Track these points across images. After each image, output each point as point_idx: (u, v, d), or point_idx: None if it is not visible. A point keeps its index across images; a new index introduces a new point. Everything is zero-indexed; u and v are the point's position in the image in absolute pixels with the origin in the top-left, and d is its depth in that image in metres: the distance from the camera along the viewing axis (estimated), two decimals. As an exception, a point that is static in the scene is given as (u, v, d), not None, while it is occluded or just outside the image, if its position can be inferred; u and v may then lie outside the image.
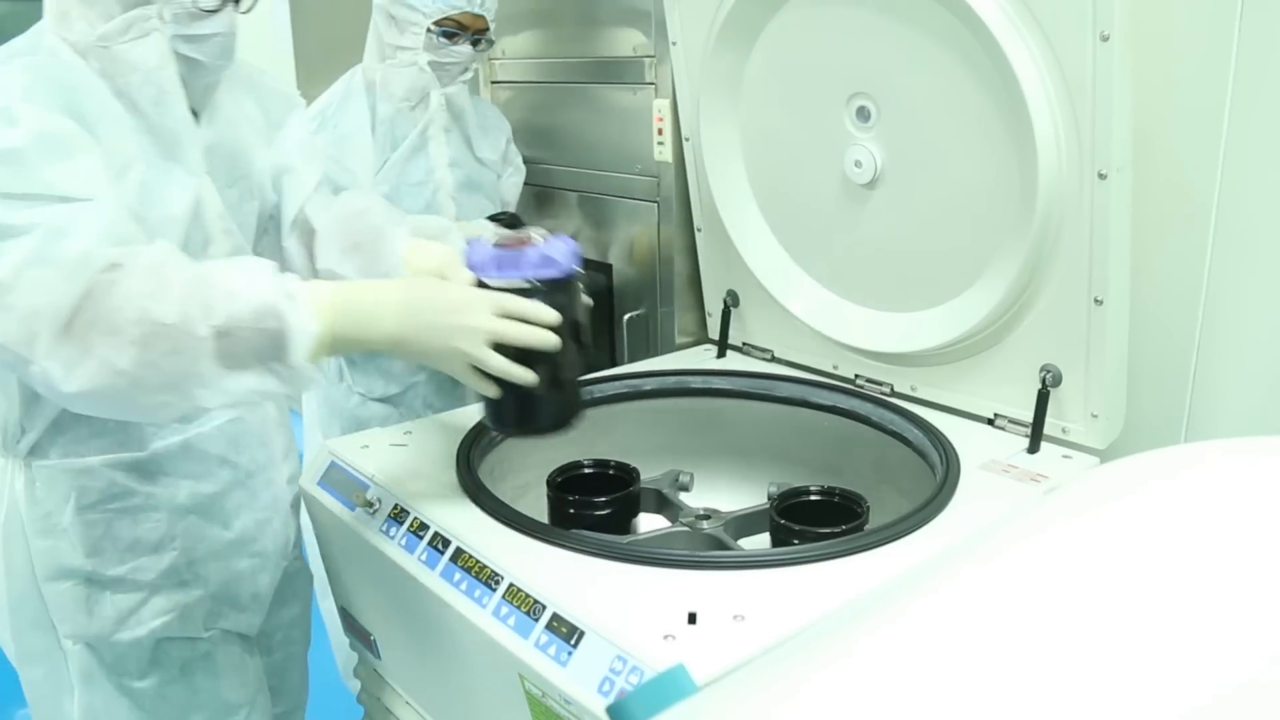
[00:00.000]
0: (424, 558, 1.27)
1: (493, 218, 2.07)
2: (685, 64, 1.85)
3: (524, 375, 1.18)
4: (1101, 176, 1.36)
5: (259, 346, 1.10)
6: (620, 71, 2.02)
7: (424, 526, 1.31)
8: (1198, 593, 0.54)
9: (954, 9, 1.40)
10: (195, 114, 1.36)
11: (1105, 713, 0.44)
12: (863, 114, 1.61)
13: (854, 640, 0.60)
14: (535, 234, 1.23)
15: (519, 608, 1.14)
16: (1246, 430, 1.52)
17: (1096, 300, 1.42)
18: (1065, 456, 1.49)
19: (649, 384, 1.81)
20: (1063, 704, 0.45)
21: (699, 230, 1.98)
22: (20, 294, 1.07)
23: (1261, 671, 0.45)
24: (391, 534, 1.34)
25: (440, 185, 2.09)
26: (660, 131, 1.98)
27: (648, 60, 1.99)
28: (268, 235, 1.54)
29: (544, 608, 1.11)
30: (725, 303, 1.96)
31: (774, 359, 1.92)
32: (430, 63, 1.98)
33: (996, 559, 0.62)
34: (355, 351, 1.28)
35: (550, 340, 1.18)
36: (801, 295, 1.81)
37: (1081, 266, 1.42)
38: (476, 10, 1.98)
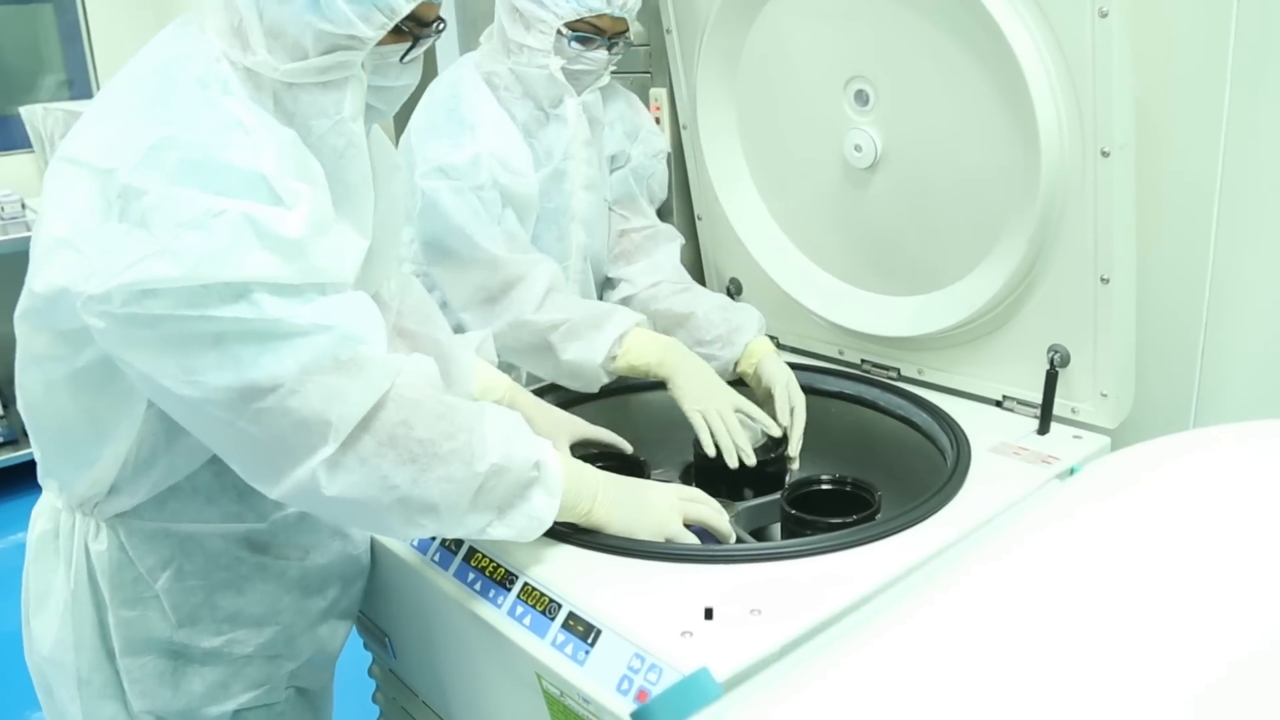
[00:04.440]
0: (437, 558, 1.27)
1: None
2: (681, 52, 1.84)
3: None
4: (1104, 154, 1.35)
5: (512, 491, 1.14)
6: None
7: (436, 528, 1.30)
8: (1205, 582, 0.54)
9: (951, -11, 1.39)
10: None
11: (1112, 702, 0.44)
12: (861, 98, 1.59)
13: (876, 639, 0.59)
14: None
15: (534, 607, 1.14)
16: (1255, 406, 1.52)
17: (1103, 279, 1.42)
18: (1075, 437, 1.48)
19: (655, 375, 1.81)
20: (1069, 692, 0.45)
21: (699, 218, 1.98)
22: (304, 398, 1.02)
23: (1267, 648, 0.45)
24: (403, 536, 1.34)
25: (574, 214, 1.80)
26: (658, 120, 1.96)
27: (643, 48, 1.98)
28: None
29: (560, 606, 1.11)
30: (728, 290, 1.96)
31: (778, 345, 1.91)
32: (562, 68, 1.68)
33: (1012, 552, 0.62)
34: (566, 519, 1.22)
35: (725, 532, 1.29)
36: (805, 281, 1.80)
37: (1086, 245, 1.42)
38: (617, 13, 1.66)
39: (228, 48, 1.10)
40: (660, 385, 1.81)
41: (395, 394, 1.08)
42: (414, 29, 1.15)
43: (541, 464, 1.16)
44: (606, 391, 1.74)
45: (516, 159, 1.68)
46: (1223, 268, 1.47)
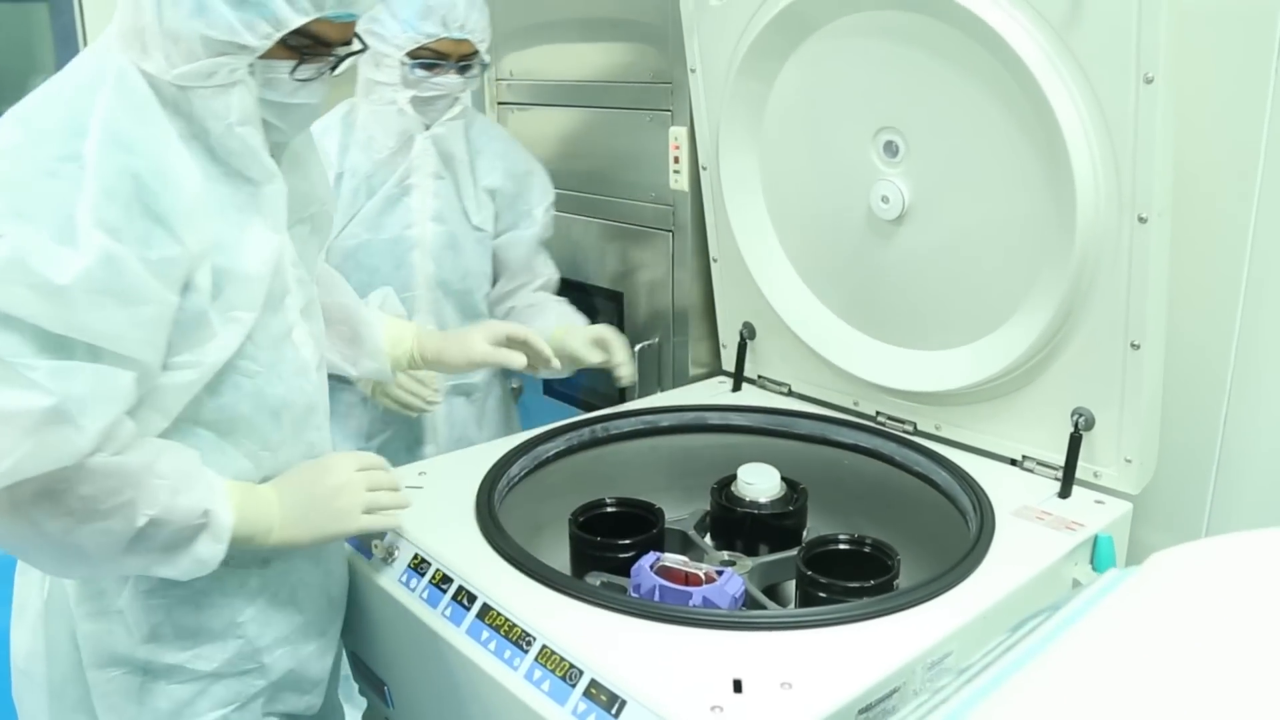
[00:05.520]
0: (448, 613, 1.22)
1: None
2: (704, 92, 1.81)
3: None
4: (1141, 220, 1.33)
5: (174, 539, 1.12)
6: (636, 97, 1.97)
7: (447, 579, 1.26)
8: None
9: (991, 46, 1.37)
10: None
11: None
12: (890, 149, 1.57)
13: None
14: (705, 570, 1.28)
15: (553, 672, 1.09)
16: (1277, 475, 1.50)
17: (1133, 344, 1.40)
18: (1098, 502, 1.46)
19: (666, 420, 1.77)
20: None
21: (715, 260, 1.94)
22: None
23: None
24: (412, 586, 1.29)
25: (418, 242, 1.86)
26: (676, 160, 1.93)
27: (665, 87, 1.95)
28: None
29: (581, 673, 1.07)
30: (741, 335, 1.92)
31: (790, 393, 1.89)
32: (412, 99, 1.75)
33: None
34: (250, 549, 1.22)
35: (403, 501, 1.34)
36: (822, 330, 1.77)
37: (1118, 310, 1.39)
38: (456, 35, 1.71)
39: (127, 49, 1.11)
40: (678, 430, 1.79)
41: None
42: (309, 47, 1.14)
43: (210, 513, 1.14)
44: (622, 435, 1.71)
45: None
46: (1249, 334, 1.46)
